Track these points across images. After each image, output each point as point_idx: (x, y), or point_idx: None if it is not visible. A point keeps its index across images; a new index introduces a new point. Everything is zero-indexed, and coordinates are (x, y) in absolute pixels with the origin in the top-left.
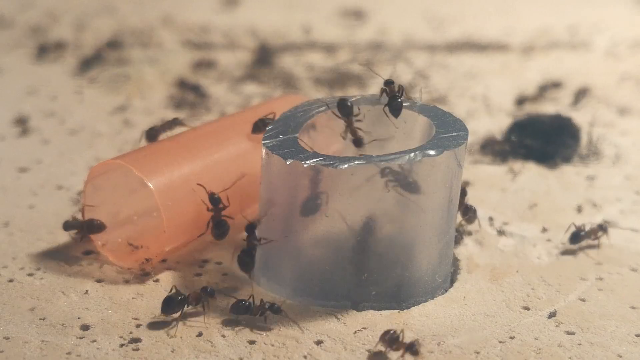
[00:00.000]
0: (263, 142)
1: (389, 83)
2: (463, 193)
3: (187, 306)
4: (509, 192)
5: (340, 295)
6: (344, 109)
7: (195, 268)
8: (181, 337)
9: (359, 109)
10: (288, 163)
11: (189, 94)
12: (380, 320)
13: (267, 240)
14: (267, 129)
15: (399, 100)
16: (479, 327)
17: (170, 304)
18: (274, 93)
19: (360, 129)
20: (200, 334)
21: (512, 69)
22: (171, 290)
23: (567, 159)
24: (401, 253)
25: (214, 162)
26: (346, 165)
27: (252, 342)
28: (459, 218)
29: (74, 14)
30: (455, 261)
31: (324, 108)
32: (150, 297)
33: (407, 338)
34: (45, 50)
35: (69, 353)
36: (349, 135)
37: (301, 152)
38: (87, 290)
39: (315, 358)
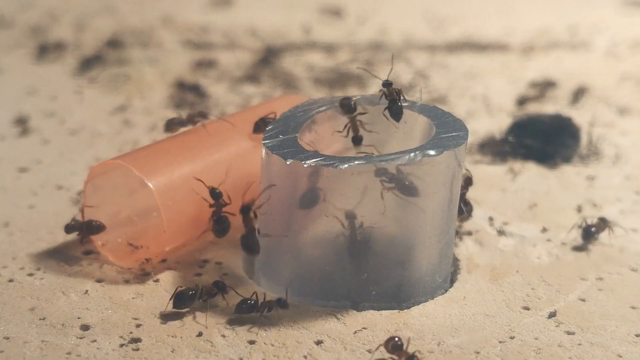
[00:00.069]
0: (263, 142)
1: (387, 84)
2: (468, 182)
3: (199, 300)
4: (509, 192)
5: (340, 295)
6: (347, 106)
7: (195, 268)
8: (181, 337)
9: (363, 108)
10: (288, 163)
11: (188, 94)
12: (380, 320)
13: (265, 235)
14: (267, 128)
15: (399, 104)
16: (479, 327)
17: (182, 298)
18: (274, 93)
19: (362, 127)
20: (200, 334)
21: (512, 69)
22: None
23: (567, 159)
24: (401, 253)
25: (214, 162)
26: (346, 165)
27: (252, 342)
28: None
29: (74, 14)
30: (455, 261)
31: (324, 108)
32: (150, 297)
33: (407, 338)
34: (45, 50)
35: (69, 353)
36: (350, 133)
37: (301, 152)
38: (87, 290)
39: (315, 358)
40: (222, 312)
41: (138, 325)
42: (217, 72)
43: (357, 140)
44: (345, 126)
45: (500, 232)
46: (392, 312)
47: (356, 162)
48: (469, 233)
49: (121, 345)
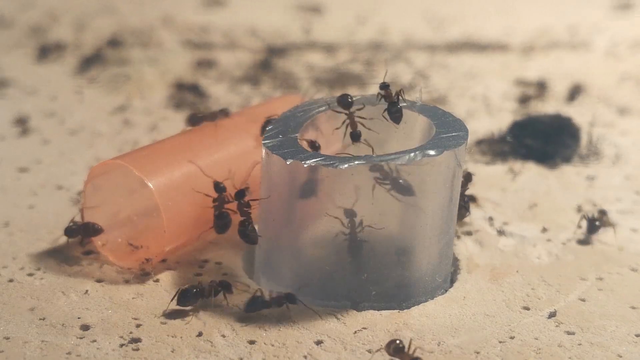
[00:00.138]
0: (263, 142)
1: (384, 87)
2: (468, 179)
3: (203, 298)
4: (509, 192)
5: (340, 295)
6: (344, 102)
7: (195, 268)
8: (181, 337)
9: (363, 104)
10: (288, 163)
11: (188, 94)
12: (380, 320)
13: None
14: (267, 128)
15: (399, 106)
16: (479, 327)
17: (187, 295)
18: (273, 93)
19: (361, 123)
20: (200, 334)
21: (512, 69)
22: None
23: (567, 159)
24: (401, 253)
25: (214, 162)
26: (346, 165)
27: (252, 342)
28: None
29: (74, 14)
30: (455, 261)
31: (324, 108)
32: (150, 297)
33: (407, 338)
34: (46, 50)
35: (69, 353)
36: (347, 129)
37: (301, 152)
38: (87, 290)
39: (315, 358)
40: (222, 312)
41: (138, 325)
42: (217, 72)
43: (355, 136)
44: (343, 122)
45: (500, 232)
46: (392, 312)
47: (356, 162)
48: (469, 233)
49: (121, 345)
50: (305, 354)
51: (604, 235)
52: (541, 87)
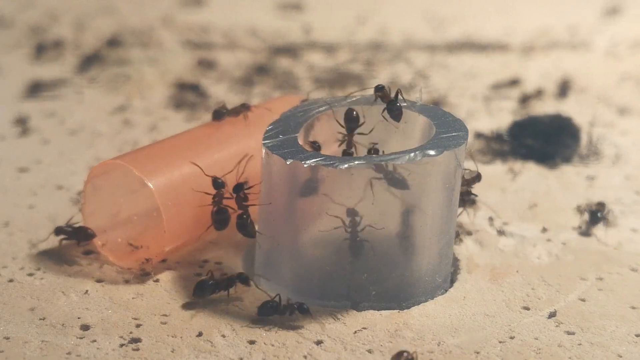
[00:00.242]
0: (263, 142)
1: (379, 89)
2: (477, 178)
3: (219, 291)
4: (509, 192)
5: (340, 295)
6: (351, 120)
7: (195, 268)
8: (181, 337)
9: (363, 117)
10: (288, 163)
11: (189, 94)
12: (380, 320)
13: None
14: (267, 128)
15: (398, 104)
16: (479, 327)
17: (203, 287)
18: (273, 93)
19: (357, 142)
20: (200, 334)
21: (512, 69)
22: (208, 273)
23: (567, 159)
24: (401, 253)
25: (214, 162)
26: (346, 165)
27: (252, 342)
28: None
29: (74, 14)
30: (455, 261)
31: (324, 108)
32: (150, 297)
33: (408, 339)
34: (45, 50)
35: (69, 353)
36: (342, 146)
37: (301, 152)
38: (87, 290)
39: (315, 358)
40: (222, 312)
41: (138, 325)
42: (217, 72)
43: (347, 154)
44: (343, 137)
45: (500, 232)
46: (392, 312)
47: (356, 162)
48: (469, 233)
49: (121, 345)
50: (305, 354)
51: (603, 235)
52: (498, 87)
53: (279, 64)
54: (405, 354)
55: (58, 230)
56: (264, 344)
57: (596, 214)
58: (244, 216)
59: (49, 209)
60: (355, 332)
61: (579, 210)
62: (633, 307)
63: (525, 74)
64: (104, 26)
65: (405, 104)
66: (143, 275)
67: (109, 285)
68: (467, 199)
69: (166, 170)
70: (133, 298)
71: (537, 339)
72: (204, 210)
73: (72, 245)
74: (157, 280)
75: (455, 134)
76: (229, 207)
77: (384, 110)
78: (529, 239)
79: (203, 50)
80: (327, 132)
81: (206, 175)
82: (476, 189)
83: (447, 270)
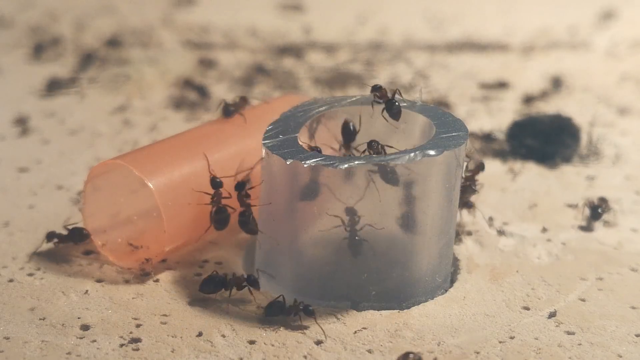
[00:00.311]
0: (263, 142)
1: (376, 89)
2: (480, 168)
3: (226, 290)
4: (509, 192)
5: (340, 295)
6: (347, 134)
7: (195, 268)
8: (181, 337)
9: (359, 128)
10: (288, 163)
11: (193, 94)
12: (380, 320)
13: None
14: (267, 128)
15: (397, 103)
16: (479, 327)
17: (210, 284)
18: (273, 93)
19: (355, 149)
20: (200, 334)
21: (512, 69)
22: (214, 272)
23: (567, 159)
24: (401, 253)
25: (214, 162)
26: (346, 165)
27: (252, 342)
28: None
29: (74, 13)
30: (455, 261)
31: (324, 108)
32: (150, 297)
33: (408, 339)
34: (45, 50)
35: (69, 353)
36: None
37: (301, 152)
38: (87, 290)
39: (315, 358)
40: (222, 312)
41: (138, 325)
42: (217, 72)
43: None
44: (340, 147)
45: (500, 232)
46: (392, 312)
47: (356, 162)
48: (469, 233)
49: (121, 345)
50: (305, 354)
51: (603, 235)
52: (488, 88)
53: (279, 64)
54: (411, 356)
55: (50, 236)
56: (264, 344)
57: (597, 210)
58: (246, 213)
59: (49, 209)
60: (355, 332)
61: (578, 206)
62: (633, 307)
63: (526, 74)
64: (104, 26)
65: (404, 104)
66: (143, 275)
67: (109, 285)
68: (470, 191)
69: (166, 170)
70: (133, 298)
71: (537, 339)
72: (204, 210)
73: (72, 246)
74: (157, 280)
75: (455, 134)
76: (228, 206)
77: (383, 109)
78: (529, 239)
79: (203, 50)
80: (327, 134)
81: (211, 173)
82: (476, 189)
83: (447, 270)
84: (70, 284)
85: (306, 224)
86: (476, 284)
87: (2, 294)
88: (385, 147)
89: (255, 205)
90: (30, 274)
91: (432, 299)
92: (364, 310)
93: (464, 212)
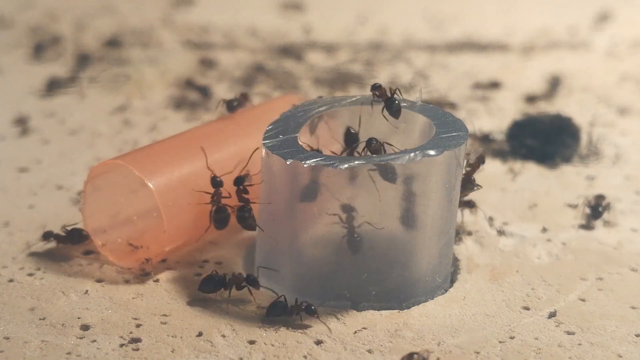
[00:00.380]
0: (263, 142)
1: (375, 87)
2: (480, 160)
3: (225, 289)
4: (509, 192)
5: (340, 296)
6: (349, 140)
7: (195, 268)
8: (181, 337)
9: (359, 129)
10: (288, 163)
11: (193, 94)
12: (380, 320)
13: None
14: (267, 128)
15: (396, 102)
16: (479, 327)
17: (208, 282)
18: (273, 93)
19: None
20: (200, 334)
21: (513, 69)
22: (214, 272)
23: (567, 159)
24: (401, 253)
25: (214, 162)
26: (346, 165)
27: (252, 342)
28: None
29: (74, 13)
30: (455, 261)
31: (324, 108)
32: (150, 297)
33: (408, 339)
34: (45, 50)
35: (69, 353)
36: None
37: (301, 152)
38: (87, 290)
39: (315, 358)
40: (222, 312)
41: (138, 325)
42: (217, 72)
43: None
44: (342, 150)
45: (500, 232)
46: (392, 312)
47: (356, 162)
48: (469, 233)
49: (121, 345)
50: (305, 354)
51: (604, 235)
52: (478, 88)
53: (279, 64)
54: (415, 356)
55: (46, 235)
56: (264, 344)
57: (597, 208)
58: (244, 208)
59: (49, 209)
60: (355, 332)
61: (578, 206)
62: (633, 307)
63: (525, 74)
64: (104, 26)
65: (404, 104)
66: (143, 275)
67: (109, 285)
68: (470, 187)
69: (166, 170)
70: (133, 298)
71: (537, 339)
72: (204, 210)
73: (72, 245)
74: (157, 280)
75: (455, 134)
76: (228, 206)
77: (382, 108)
78: (529, 239)
79: (203, 50)
80: (327, 134)
81: (210, 170)
82: (476, 190)
83: (447, 270)
84: (70, 284)
85: (306, 224)
86: (476, 284)
87: (2, 294)
88: (385, 144)
89: (254, 202)
90: (30, 274)
91: (432, 299)
92: (364, 310)
93: (465, 211)
